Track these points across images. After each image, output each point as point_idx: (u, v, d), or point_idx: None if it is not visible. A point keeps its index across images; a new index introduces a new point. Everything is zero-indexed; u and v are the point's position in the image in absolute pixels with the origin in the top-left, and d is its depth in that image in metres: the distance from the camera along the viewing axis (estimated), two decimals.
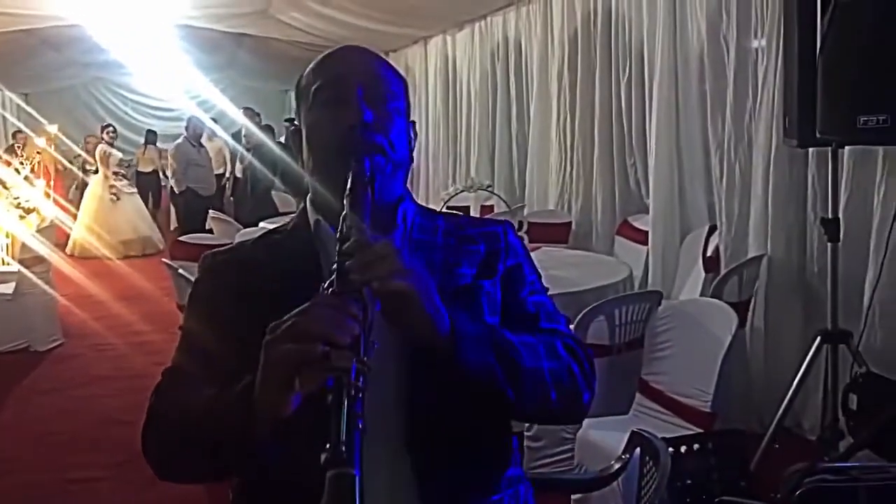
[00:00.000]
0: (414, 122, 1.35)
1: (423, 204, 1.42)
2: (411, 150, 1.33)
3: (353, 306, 0.98)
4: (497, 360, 1.16)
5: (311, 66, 1.33)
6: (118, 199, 10.58)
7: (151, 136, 12.82)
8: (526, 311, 1.34)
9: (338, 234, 1.08)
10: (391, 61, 1.38)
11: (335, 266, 1.03)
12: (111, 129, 10.88)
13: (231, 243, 1.49)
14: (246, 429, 1.02)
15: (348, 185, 1.16)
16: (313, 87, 1.28)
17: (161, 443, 1.20)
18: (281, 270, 1.26)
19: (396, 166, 1.28)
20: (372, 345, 0.98)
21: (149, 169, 12.37)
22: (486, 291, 1.30)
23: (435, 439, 1.19)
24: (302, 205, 1.39)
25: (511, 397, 1.17)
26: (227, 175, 11.18)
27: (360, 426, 0.90)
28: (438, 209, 1.51)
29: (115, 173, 10.67)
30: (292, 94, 12.03)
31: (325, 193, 1.28)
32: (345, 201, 1.14)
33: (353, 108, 1.23)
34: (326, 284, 1.02)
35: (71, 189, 11.80)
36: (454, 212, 1.47)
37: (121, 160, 10.85)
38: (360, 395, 0.92)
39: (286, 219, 1.49)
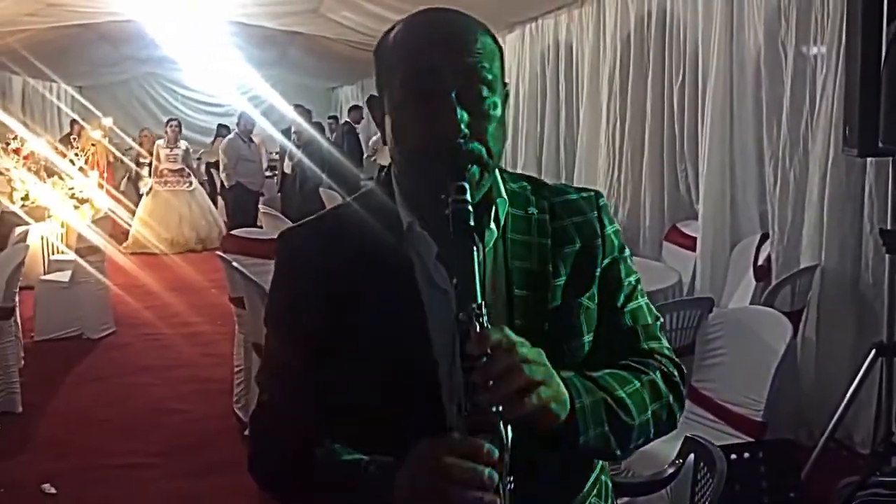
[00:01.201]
0: (507, 86, 1.23)
1: (507, 172, 1.30)
2: (505, 131, 1.23)
3: (492, 451, 1.00)
4: (611, 429, 1.16)
5: (395, 32, 1.21)
6: (149, 194, 10.66)
7: (223, 130, 12.95)
8: (623, 327, 1.30)
9: (454, 318, 1.05)
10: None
11: (461, 371, 1.03)
12: (174, 122, 10.95)
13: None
14: None
15: (451, 234, 1.09)
16: (399, 73, 1.17)
17: (272, 486, 1.27)
18: (370, 264, 1.21)
19: (492, 170, 1.21)
20: (509, 487, 1.02)
21: (214, 160, 12.51)
22: (585, 307, 1.26)
23: (527, 456, 1.17)
24: (380, 176, 1.31)
25: (617, 455, 1.19)
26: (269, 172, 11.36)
27: None
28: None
29: (166, 170, 10.65)
30: (340, 92, 12.26)
31: (417, 195, 1.22)
32: (450, 252, 1.11)
33: (447, 117, 1.13)
34: (457, 407, 1.04)
35: (123, 181, 12.00)
36: (538, 179, 1.34)
37: (180, 154, 10.73)
38: None
39: None
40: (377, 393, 1.19)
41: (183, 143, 10.77)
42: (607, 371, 1.22)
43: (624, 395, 1.19)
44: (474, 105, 1.15)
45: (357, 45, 10.64)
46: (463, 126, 1.13)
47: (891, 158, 3.19)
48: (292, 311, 1.25)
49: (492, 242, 1.23)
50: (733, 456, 2.79)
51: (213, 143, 12.82)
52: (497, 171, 1.26)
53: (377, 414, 1.18)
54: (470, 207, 1.09)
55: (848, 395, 3.36)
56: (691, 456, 2.14)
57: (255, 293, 3.91)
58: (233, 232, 5.85)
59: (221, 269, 4.85)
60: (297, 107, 9.34)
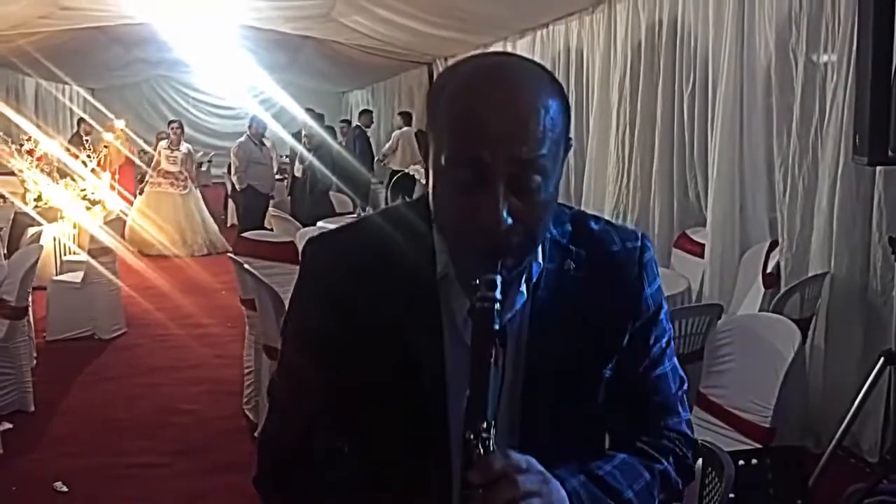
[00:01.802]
0: (570, 140, 1.13)
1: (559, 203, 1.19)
2: (556, 191, 1.11)
3: None
4: None
5: (455, 87, 1.08)
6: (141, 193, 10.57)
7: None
8: (642, 396, 1.25)
9: (463, 436, 1.01)
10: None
11: (460, 498, 1.01)
12: (176, 124, 10.79)
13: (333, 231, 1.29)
14: None
15: (472, 332, 1.05)
16: (445, 142, 1.06)
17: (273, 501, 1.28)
18: (400, 301, 1.16)
19: (535, 248, 1.15)
20: None
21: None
22: (604, 378, 1.22)
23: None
24: (418, 204, 1.22)
25: None
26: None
27: None
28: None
29: (162, 171, 10.49)
30: (350, 96, 12.26)
31: (452, 251, 1.15)
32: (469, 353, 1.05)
33: (490, 207, 1.03)
34: None
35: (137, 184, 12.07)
36: (582, 219, 1.25)
37: (179, 157, 10.56)
38: None
39: (345, 219, 1.38)
40: (384, 426, 1.18)
41: (185, 146, 10.65)
42: (616, 464, 1.18)
43: (632, 495, 1.16)
44: (524, 193, 1.05)
45: (368, 49, 10.70)
46: (506, 218, 1.03)
47: None
48: (313, 329, 1.21)
49: (521, 304, 1.18)
50: (741, 462, 2.79)
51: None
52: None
53: (384, 453, 1.18)
54: (496, 308, 1.03)
55: (856, 403, 3.37)
56: (699, 461, 2.16)
57: (265, 295, 3.93)
58: (244, 234, 5.89)
59: (232, 271, 4.88)
60: (308, 110, 9.38)
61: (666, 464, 1.22)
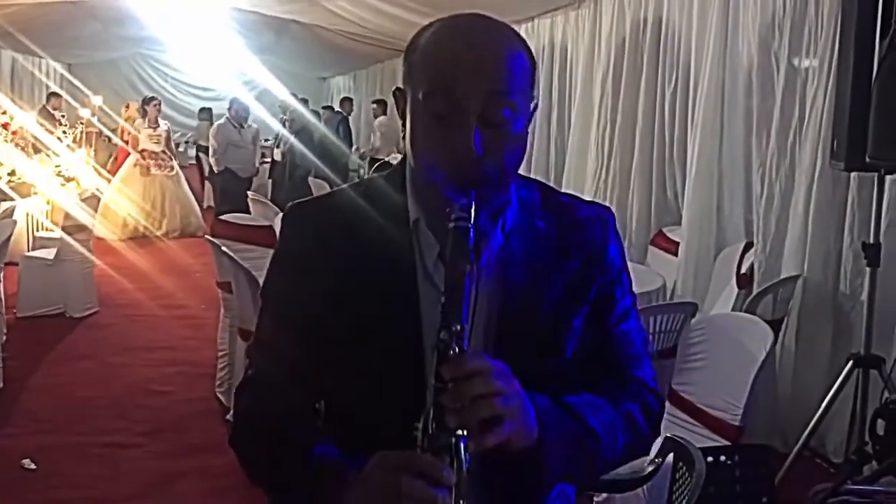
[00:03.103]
0: (536, 99, 1.23)
1: (525, 176, 1.30)
2: (525, 145, 1.21)
3: (449, 477, 1.00)
4: (578, 462, 1.17)
5: (427, 37, 1.18)
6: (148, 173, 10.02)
7: (204, 114, 12.84)
8: (609, 348, 1.30)
9: (436, 338, 1.05)
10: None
11: (433, 387, 1.04)
12: (157, 101, 10.31)
13: (312, 198, 1.39)
14: None
15: (448, 249, 1.09)
16: (423, 83, 1.15)
17: (252, 468, 1.28)
18: (373, 249, 1.23)
19: (504, 187, 1.22)
20: None
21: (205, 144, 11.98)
22: (572, 328, 1.27)
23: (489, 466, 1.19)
24: (392, 169, 1.31)
25: (583, 486, 1.23)
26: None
27: None
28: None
29: (147, 151, 9.98)
30: (332, 82, 12.23)
31: (426, 198, 1.23)
32: (444, 267, 1.10)
33: (465, 136, 1.11)
34: (422, 424, 1.04)
35: (109, 160, 11.88)
36: (550, 189, 1.34)
37: (163, 136, 10.14)
38: None
39: None
40: (363, 379, 1.20)
41: (164, 124, 10.27)
42: (585, 397, 1.22)
43: (597, 425, 1.19)
44: (494, 125, 1.13)
45: (351, 35, 10.65)
46: (478, 147, 1.11)
47: (876, 173, 3.25)
48: (291, 289, 1.26)
49: (495, 249, 1.24)
50: (709, 459, 2.82)
51: (197, 127, 12.52)
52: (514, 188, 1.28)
53: (362, 400, 1.20)
54: (471, 228, 1.09)
55: (823, 404, 3.43)
56: (670, 455, 2.19)
57: (242, 278, 3.92)
58: (223, 217, 5.85)
59: (208, 253, 4.85)
60: (293, 95, 9.34)
61: (630, 406, 1.26)
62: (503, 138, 1.14)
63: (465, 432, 1.02)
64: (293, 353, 1.24)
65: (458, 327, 1.04)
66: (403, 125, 1.22)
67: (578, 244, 1.29)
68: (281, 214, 6.07)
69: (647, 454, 1.33)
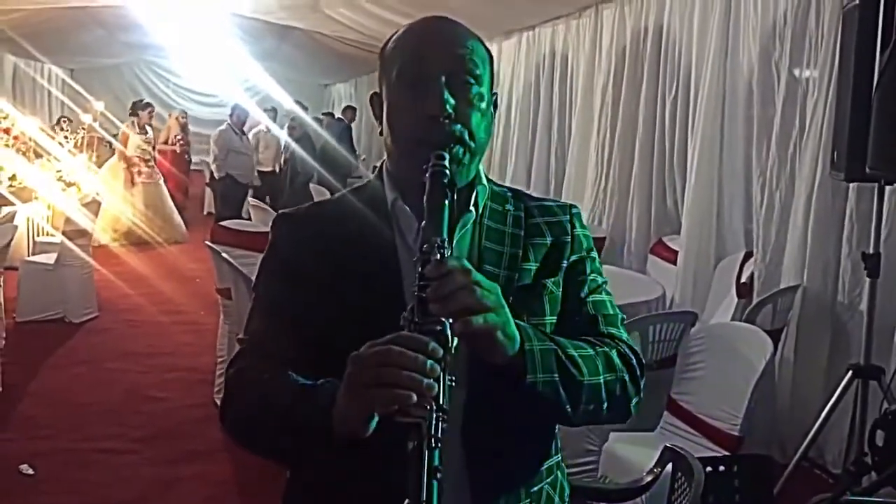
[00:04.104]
0: (495, 94, 1.36)
1: (492, 180, 1.42)
2: (491, 127, 1.34)
3: (436, 349, 1.02)
4: (560, 377, 1.19)
5: (397, 34, 1.33)
6: (133, 185, 9.85)
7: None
8: (585, 313, 1.36)
9: (418, 249, 1.11)
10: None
11: (416, 289, 1.07)
12: (152, 107, 10.31)
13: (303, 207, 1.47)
14: (323, 439, 1.09)
15: (427, 187, 1.17)
16: (396, 64, 1.28)
17: (239, 428, 1.27)
18: (355, 243, 1.30)
19: (474, 153, 1.30)
20: (449, 384, 1.03)
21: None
22: (549, 290, 1.34)
23: (486, 431, 1.24)
24: (377, 169, 1.40)
25: (568, 412, 1.22)
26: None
27: (439, 478, 0.96)
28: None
29: (137, 159, 9.87)
30: (333, 89, 12.27)
31: (403, 176, 1.31)
32: (424, 204, 1.16)
33: (434, 97, 1.23)
34: (408, 312, 1.07)
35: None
36: (520, 189, 1.44)
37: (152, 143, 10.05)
38: (439, 446, 0.98)
39: None
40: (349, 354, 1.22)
41: (149, 130, 10.13)
42: (562, 338, 1.27)
43: (575, 354, 1.23)
44: (461, 92, 1.26)
45: (353, 42, 10.66)
46: (448, 107, 1.23)
47: (876, 184, 3.25)
48: (279, 280, 1.33)
49: (469, 223, 1.32)
50: (709, 468, 2.82)
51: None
52: (481, 170, 1.37)
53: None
54: (446, 169, 1.17)
55: (822, 414, 3.42)
56: (669, 465, 2.18)
57: (242, 284, 3.92)
58: (222, 223, 5.85)
59: (207, 259, 4.85)
60: (297, 102, 9.35)
61: (609, 350, 1.30)
62: (469, 104, 1.26)
63: (450, 319, 1.05)
64: (283, 338, 1.28)
65: (439, 239, 1.10)
66: (380, 124, 1.34)
67: (549, 225, 1.39)
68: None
69: (630, 412, 1.33)
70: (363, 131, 15.05)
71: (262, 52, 13.42)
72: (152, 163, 10.02)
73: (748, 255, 4.64)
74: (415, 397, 0.98)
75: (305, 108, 9.65)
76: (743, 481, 2.94)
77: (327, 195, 8.09)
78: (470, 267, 1.09)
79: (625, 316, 1.43)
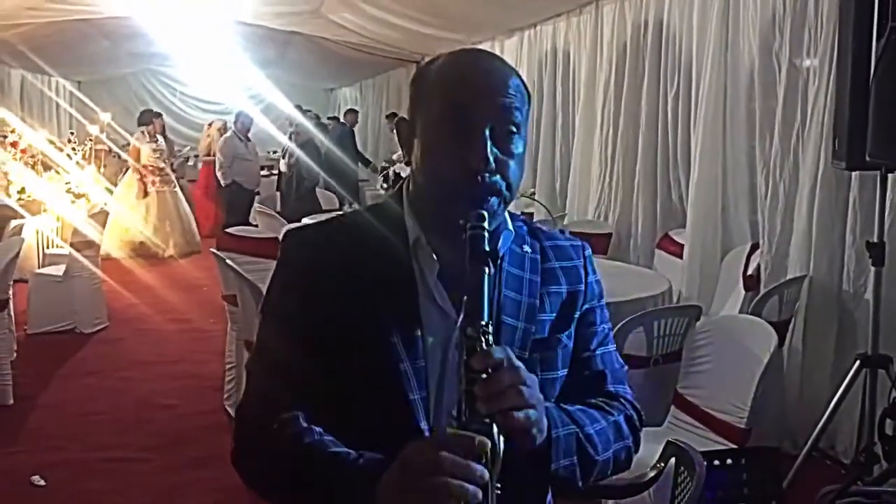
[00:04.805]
0: (526, 133, 1.32)
1: (510, 213, 1.39)
2: (524, 167, 1.31)
3: (485, 449, 1.02)
4: (579, 458, 1.23)
5: (438, 65, 1.29)
6: (145, 196, 9.78)
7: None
8: (594, 368, 1.39)
9: (460, 331, 1.10)
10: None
11: (464, 383, 1.07)
12: (161, 117, 10.30)
13: (308, 224, 1.44)
14: None
15: (467, 255, 1.14)
16: (437, 105, 1.25)
17: (262, 484, 1.28)
18: (374, 275, 1.27)
19: (508, 203, 1.28)
20: (497, 493, 1.05)
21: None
22: (563, 344, 1.35)
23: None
24: (395, 190, 1.37)
25: (578, 486, 1.25)
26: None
27: None
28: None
29: (146, 167, 9.77)
30: (339, 93, 12.22)
31: (431, 214, 1.28)
32: (465, 272, 1.14)
33: (478, 150, 1.21)
34: (455, 412, 1.09)
35: (119, 177, 11.91)
36: (534, 225, 1.43)
37: (164, 151, 10.01)
38: None
39: (331, 216, 1.46)
40: (367, 396, 1.23)
41: (160, 140, 10.08)
42: (579, 407, 1.30)
43: (592, 432, 1.27)
44: (503, 142, 1.23)
45: (356, 46, 10.67)
46: (491, 161, 1.21)
47: (878, 172, 3.23)
48: (291, 306, 1.29)
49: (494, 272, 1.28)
50: (716, 462, 2.81)
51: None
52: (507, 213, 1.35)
53: (365, 416, 1.22)
54: (486, 234, 1.15)
55: (831, 405, 3.41)
56: (673, 459, 2.18)
57: (248, 291, 3.93)
58: (228, 230, 5.87)
59: (214, 267, 4.87)
60: (297, 107, 9.37)
61: (618, 418, 1.35)
62: (510, 155, 1.24)
63: (495, 419, 1.06)
64: (294, 366, 1.26)
65: (483, 323, 1.09)
66: (407, 152, 1.32)
67: (564, 271, 1.39)
68: (287, 225, 6.15)
69: (630, 466, 1.38)
70: (369, 134, 15.07)
71: (265, 58, 13.46)
72: (167, 171, 9.99)
73: (754, 247, 4.61)
74: None
75: (308, 112, 9.65)
76: (751, 474, 2.93)
77: (334, 200, 8.12)
78: (518, 363, 1.10)
79: (626, 365, 1.47)
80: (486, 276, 1.12)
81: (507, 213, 1.34)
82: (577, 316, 1.38)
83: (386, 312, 1.24)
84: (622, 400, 1.39)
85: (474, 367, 1.06)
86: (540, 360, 1.30)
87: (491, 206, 1.21)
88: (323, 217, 1.52)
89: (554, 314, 1.34)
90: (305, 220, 5.70)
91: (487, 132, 1.21)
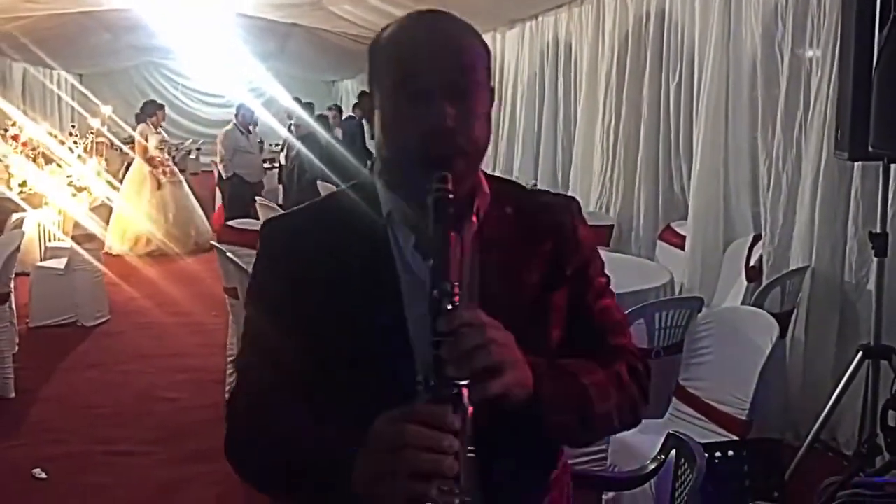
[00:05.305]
0: (492, 89, 1.30)
1: (492, 176, 1.37)
2: (490, 126, 1.28)
3: (453, 422, 1.02)
4: (573, 416, 1.21)
5: (388, 32, 1.27)
6: (160, 187, 9.58)
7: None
8: (592, 322, 1.35)
9: (429, 297, 1.08)
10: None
11: (432, 346, 1.05)
12: (163, 108, 10.16)
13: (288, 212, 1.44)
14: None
15: (431, 218, 1.12)
16: (391, 73, 1.23)
17: (245, 467, 1.28)
18: (352, 253, 1.26)
19: (477, 163, 1.27)
20: (468, 454, 1.05)
21: None
22: (553, 304, 1.32)
23: (496, 440, 1.21)
24: (368, 170, 1.36)
25: (580, 443, 1.27)
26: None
27: None
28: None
29: (152, 158, 9.55)
30: (340, 86, 12.15)
31: (399, 186, 1.27)
32: (429, 235, 1.12)
33: (434, 111, 1.18)
34: (422, 378, 1.07)
35: (121, 171, 11.90)
36: (520, 185, 1.43)
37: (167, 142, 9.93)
38: None
39: None
40: (354, 371, 1.22)
41: (163, 132, 9.94)
42: (573, 360, 1.26)
43: (587, 383, 1.24)
44: (460, 102, 1.20)
45: (357, 38, 10.65)
46: (448, 120, 1.18)
47: (880, 162, 3.21)
48: (272, 295, 1.29)
49: (471, 234, 1.27)
50: (718, 454, 2.81)
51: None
52: (480, 170, 1.32)
53: (353, 392, 1.21)
54: (450, 195, 1.12)
55: (833, 396, 3.39)
56: (673, 451, 2.17)
57: (248, 283, 3.92)
58: (229, 223, 5.87)
59: (216, 259, 4.87)
60: (295, 100, 9.35)
61: (618, 368, 1.31)
62: (469, 113, 1.21)
63: (466, 382, 1.04)
64: (283, 361, 1.25)
65: (449, 286, 1.06)
66: (371, 126, 1.29)
67: (548, 227, 1.35)
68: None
69: (639, 421, 1.35)
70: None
71: (267, 51, 13.45)
72: (170, 162, 9.90)
73: (756, 239, 4.60)
74: (434, 491, 0.99)
75: (309, 106, 9.62)
76: (753, 466, 2.92)
77: None
78: (484, 320, 1.09)
79: (628, 316, 1.43)
80: (451, 237, 1.09)
81: (483, 175, 1.33)
82: (568, 272, 1.33)
83: (367, 290, 1.23)
84: (623, 349, 1.36)
85: (440, 330, 1.05)
86: (530, 323, 1.26)
87: (457, 168, 1.18)
88: None
89: (542, 275, 1.31)
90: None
91: (442, 93, 1.18)
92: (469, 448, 1.04)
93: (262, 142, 9.90)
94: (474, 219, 1.28)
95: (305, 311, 1.24)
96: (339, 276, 1.25)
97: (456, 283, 1.07)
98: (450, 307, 1.06)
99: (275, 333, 1.27)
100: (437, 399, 1.04)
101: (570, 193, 6.86)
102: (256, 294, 1.34)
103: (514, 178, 7.45)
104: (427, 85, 1.19)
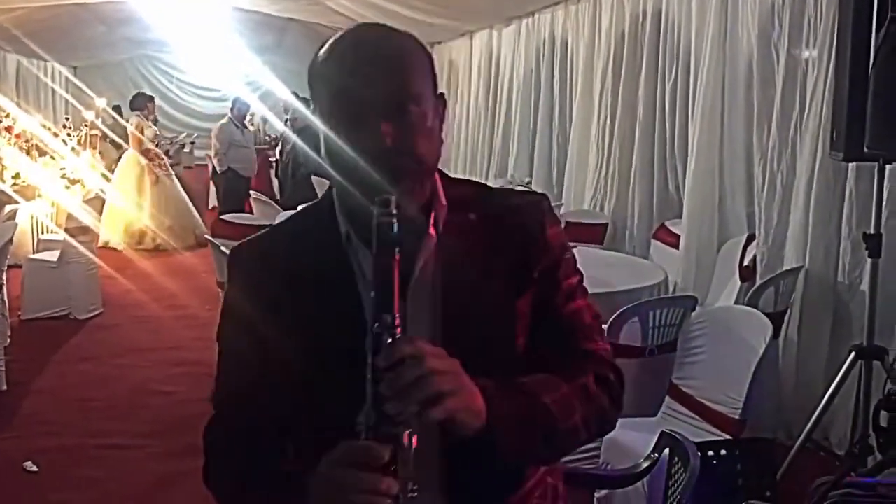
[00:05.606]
0: (442, 95, 1.26)
1: (454, 179, 1.34)
2: (440, 138, 1.24)
3: (381, 453, 1.01)
4: (532, 436, 1.18)
5: (325, 50, 1.22)
6: (157, 181, 9.51)
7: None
8: (561, 325, 1.32)
9: (370, 330, 1.04)
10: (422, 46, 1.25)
11: (370, 385, 1.03)
12: (153, 102, 10.08)
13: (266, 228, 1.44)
14: None
15: (374, 245, 1.05)
16: (325, 97, 1.20)
17: (219, 499, 1.33)
18: (315, 277, 1.25)
19: (425, 178, 1.23)
20: (412, 496, 1.04)
21: None
22: (517, 312, 1.28)
23: (455, 469, 1.22)
24: (327, 192, 1.33)
25: (549, 460, 1.24)
26: None
27: None
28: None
29: (148, 151, 9.48)
30: None
31: (351, 208, 1.24)
32: (371, 267, 1.08)
33: (371, 133, 1.15)
34: (363, 414, 1.04)
35: (117, 162, 11.82)
36: (484, 188, 1.37)
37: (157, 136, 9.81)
38: None
39: None
40: (321, 395, 1.21)
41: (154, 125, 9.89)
42: (537, 377, 1.23)
43: (548, 401, 1.20)
44: (398, 118, 1.16)
45: None
46: (387, 140, 1.14)
47: (875, 163, 3.22)
48: (243, 325, 1.29)
49: (431, 247, 1.25)
50: (710, 453, 2.82)
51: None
52: (438, 177, 1.29)
53: (323, 415, 1.20)
54: (393, 220, 1.05)
55: (826, 396, 3.41)
56: (667, 450, 2.18)
57: None
58: (223, 217, 5.86)
59: (210, 253, 4.86)
60: (293, 94, 9.32)
61: (585, 379, 1.27)
62: (411, 128, 1.17)
63: (407, 418, 1.02)
64: (255, 394, 1.26)
65: (390, 318, 1.03)
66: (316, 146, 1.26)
67: (514, 230, 1.31)
68: (282, 213, 6.13)
69: (613, 427, 1.34)
70: None
71: (262, 44, 13.41)
72: (163, 155, 9.85)
73: (751, 238, 4.61)
74: None
75: (305, 100, 9.60)
76: (745, 465, 2.93)
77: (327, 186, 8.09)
78: (423, 351, 1.04)
79: (601, 316, 1.40)
80: (394, 264, 1.04)
81: (440, 183, 1.29)
82: (535, 276, 1.29)
83: (329, 315, 1.22)
84: (591, 356, 1.32)
85: (379, 367, 1.02)
86: (492, 334, 1.24)
87: (403, 187, 1.14)
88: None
89: (505, 283, 1.27)
90: (301, 209, 5.67)
91: (378, 112, 1.14)
92: (412, 487, 1.03)
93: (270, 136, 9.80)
94: (432, 231, 1.25)
95: (274, 338, 1.24)
96: (304, 301, 1.24)
97: (396, 315, 1.04)
98: (390, 340, 1.03)
99: (245, 368, 1.28)
100: (377, 438, 1.02)
101: (564, 191, 6.90)
102: (226, 331, 1.34)
103: (508, 176, 7.49)
104: (361, 105, 1.15)
